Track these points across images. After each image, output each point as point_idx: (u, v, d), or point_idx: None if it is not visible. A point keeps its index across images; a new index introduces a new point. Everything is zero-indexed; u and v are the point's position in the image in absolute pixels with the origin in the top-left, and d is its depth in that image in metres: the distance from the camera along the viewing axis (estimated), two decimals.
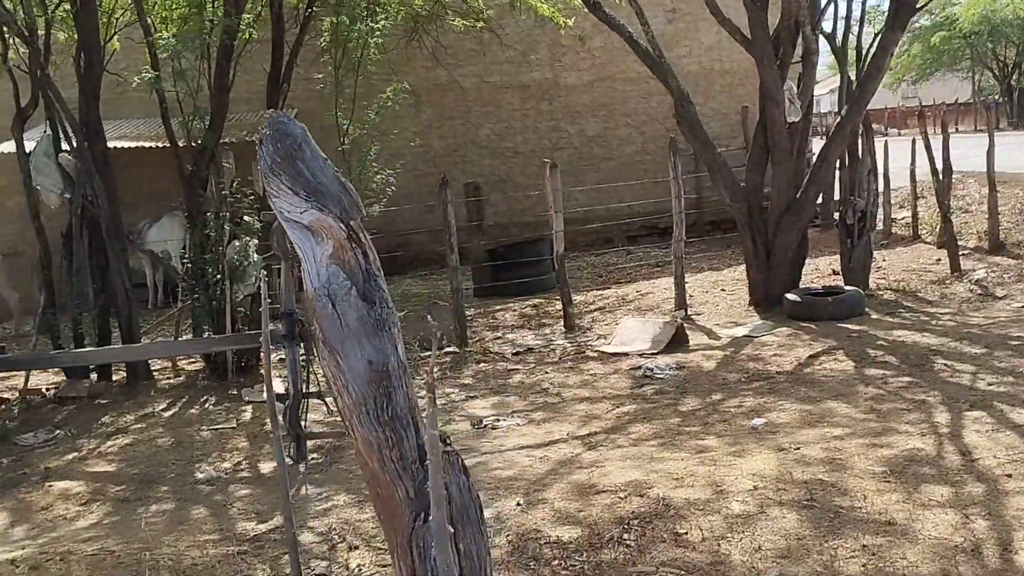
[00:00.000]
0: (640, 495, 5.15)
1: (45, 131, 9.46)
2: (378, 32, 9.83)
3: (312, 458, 6.67)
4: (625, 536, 4.62)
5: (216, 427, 7.63)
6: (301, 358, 6.73)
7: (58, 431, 8.08)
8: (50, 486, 6.58)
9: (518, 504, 5.21)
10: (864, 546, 4.28)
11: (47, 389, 9.35)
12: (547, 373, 8.49)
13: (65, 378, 9.41)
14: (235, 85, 9.42)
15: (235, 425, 7.62)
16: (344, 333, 2.79)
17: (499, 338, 10.24)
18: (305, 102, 12.27)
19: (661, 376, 7.98)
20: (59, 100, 8.75)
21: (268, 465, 6.67)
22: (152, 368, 9.74)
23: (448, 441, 3.08)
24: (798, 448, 5.75)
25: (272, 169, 2.82)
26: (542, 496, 5.34)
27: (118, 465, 6.95)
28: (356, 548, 4.87)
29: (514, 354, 9.37)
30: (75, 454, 7.33)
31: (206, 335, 9.12)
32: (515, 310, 12.08)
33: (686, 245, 11.03)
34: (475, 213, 13.84)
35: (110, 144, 9.70)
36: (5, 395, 9.38)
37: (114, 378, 9.52)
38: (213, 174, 9.19)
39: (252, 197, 9.63)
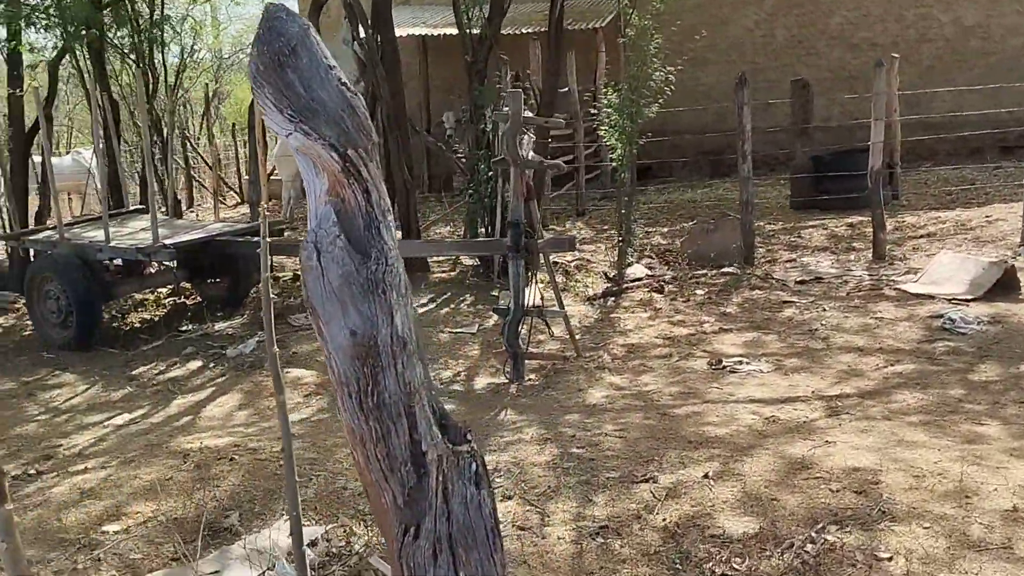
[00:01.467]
0: (858, 491, 4.13)
1: (344, 17, 9.61)
2: None
3: (529, 379, 6.26)
4: (808, 546, 3.69)
5: (457, 330, 7.47)
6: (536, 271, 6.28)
7: None
8: (288, 372, 6.80)
9: (706, 476, 4.41)
10: None
11: None
12: (825, 311, 7.30)
13: None
14: None
15: (475, 331, 7.41)
16: (326, 293, 2.23)
17: (791, 261, 9.06)
18: None
19: (963, 331, 6.51)
20: None
21: (484, 380, 6.38)
22: (433, 260, 9.84)
23: (468, 436, 2.44)
24: None
25: (256, 78, 2.27)
26: (740, 469, 4.49)
27: None
28: (508, 499, 4.39)
29: (798, 282, 8.21)
30: None
31: (481, 232, 9.00)
32: (828, 228, 10.68)
33: None
34: (800, 115, 12.30)
35: (402, 32, 9.65)
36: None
37: None
38: (493, 66, 8.83)
39: (531, 90, 9.21)
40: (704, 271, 8.74)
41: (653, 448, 4.88)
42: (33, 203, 11.66)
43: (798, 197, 12.28)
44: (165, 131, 12.32)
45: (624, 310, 7.85)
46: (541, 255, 6.40)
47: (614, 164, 8.54)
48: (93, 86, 10.03)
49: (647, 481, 4.44)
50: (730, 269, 8.66)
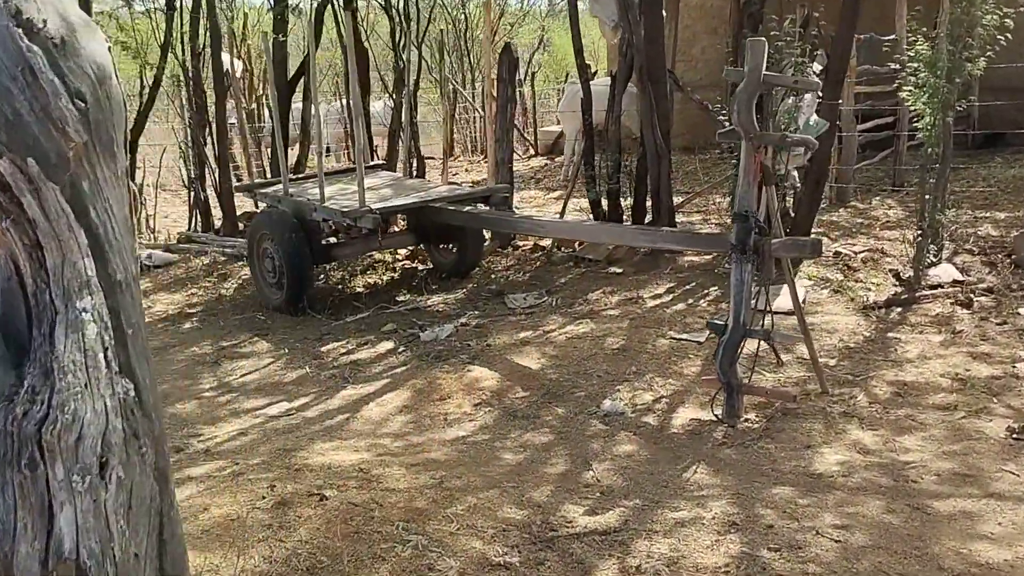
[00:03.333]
0: None
1: None
2: None
3: (744, 420, 4.80)
4: None
5: (683, 337, 6.09)
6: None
7: (546, 298, 7.35)
8: (469, 370, 5.85)
9: None
10: None
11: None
12: None
13: None
14: None
15: (703, 340, 5.98)
16: None
17: None
18: None
19: None
20: None
21: (688, 413, 5.00)
22: None
23: None
24: None
25: None
26: None
27: (547, 361, 5.91)
28: None
29: None
30: (527, 333, 6.50)
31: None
32: None
33: None
34: None
35: None
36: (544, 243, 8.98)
37: None
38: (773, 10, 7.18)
39: (818, 40, 7.43)
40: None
41: (880, 571, 3.34)
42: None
43: None
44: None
45: (910, 328, 6.03)
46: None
47: (920, 136, 6.61)
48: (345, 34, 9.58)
49: None
50: None
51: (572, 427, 4.92)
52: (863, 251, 7.84)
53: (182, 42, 10.41)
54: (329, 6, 9.64)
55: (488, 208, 7.82)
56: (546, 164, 17.17)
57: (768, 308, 4.81)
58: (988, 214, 9.05)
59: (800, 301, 6.49)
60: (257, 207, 9.11)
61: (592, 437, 4.77)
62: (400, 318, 7.23)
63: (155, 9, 10.53)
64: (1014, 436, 4.42)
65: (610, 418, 4.98)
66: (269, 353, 6.66)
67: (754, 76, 4.54)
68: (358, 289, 8.32)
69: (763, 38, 4.58)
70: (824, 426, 4.67)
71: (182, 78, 10.59)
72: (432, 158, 20.40)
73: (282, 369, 6.28)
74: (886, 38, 11.35)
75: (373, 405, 5.47)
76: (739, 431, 4.69)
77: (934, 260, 6.91)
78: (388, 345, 6.57)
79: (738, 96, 4.59)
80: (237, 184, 9.92)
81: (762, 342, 4.94)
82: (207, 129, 10.58)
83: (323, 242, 7.88)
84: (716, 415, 4.81)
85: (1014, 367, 5.26)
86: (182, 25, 10.45)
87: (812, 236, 4.77)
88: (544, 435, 4.85)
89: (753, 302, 4.80)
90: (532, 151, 19.11)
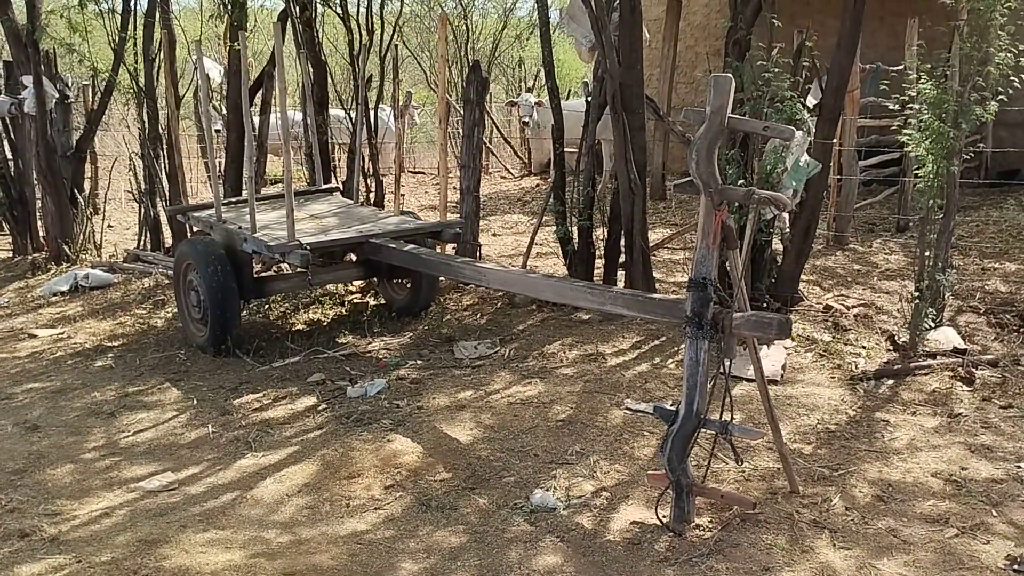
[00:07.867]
0: None
1: None
2: None
3: (697, 528, 4.02)
4: None
5: (638, 408, 5.31)
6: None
7: (499, 348, 6.58)
8: (390, 440, 5.07)
9: None
10: None
11: None
12: None
13: None
14: None
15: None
16: None
17: None
18: None
19: None
20: None
21: (630, 512, 4.21)
22: (659, 282, 7.75)
23: None
24: None
25: None
26: None
27: (480, 433, 5.13)
28: None
29: None
30: (468, 393, 5.73)
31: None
32: None
33: None
34: None
35: None
36: None
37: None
38: (760, 36, 6.43)
39: (808, 70, 6.67)
40: None
41: None
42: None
43: None
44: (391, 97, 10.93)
45: (901, 408, 5.24)
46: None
47: (918, 186, 5.83)
48: (299, 44, 8.88)
49: None
50: None
51: (492, 525, 4.14)
52: (857, 305, 7.06)
53: (135, 47, 9.71)
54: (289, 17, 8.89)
55: (443, 242, 7.07)
56: (538, 184, 16.43)
57: (728, 394, 4.04)
58: (998, 265, 8.29)
59: (777, 371, 5.72)
60: (192, 232, 8.37)
61: (512, 541, 3.99)
62: (333, 365, 6.46)
63: (109, 11, 9.80)
64: (1014, 568, 3.63)
65: (538, 515, 4.20)
66: (175, 404, 5.90)
67: (716, 119, 3.78)
68: (298, 326, 7.56)
69: (730, 74, 3.82)
70: (789, 540, 3.89)
71: (133, 87, 9.84)
72: (422, 173, 19.69)
73: (183, 427, 5.51)
74: (894, 68, 10.63)
75: (270, 481, 4.70)
76: (686, 543, 3.90)
77: (933, 324, 6.12)
78: (309, 401, 5.80)
79: (697, 143, 3.82)
80: (169, 207, 9.16)
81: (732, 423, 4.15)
82: (159, 142, 9.85)
83: (256, 275, 7.12)
84: (661, 519, 4.03)
85: (1019, 467, 4.47)
86: (135, 29, 9.74)
87: (780, 315, 3.99)
88: (457, 535, 4.07)
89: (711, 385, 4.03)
90: (526, 170, 18.38)
